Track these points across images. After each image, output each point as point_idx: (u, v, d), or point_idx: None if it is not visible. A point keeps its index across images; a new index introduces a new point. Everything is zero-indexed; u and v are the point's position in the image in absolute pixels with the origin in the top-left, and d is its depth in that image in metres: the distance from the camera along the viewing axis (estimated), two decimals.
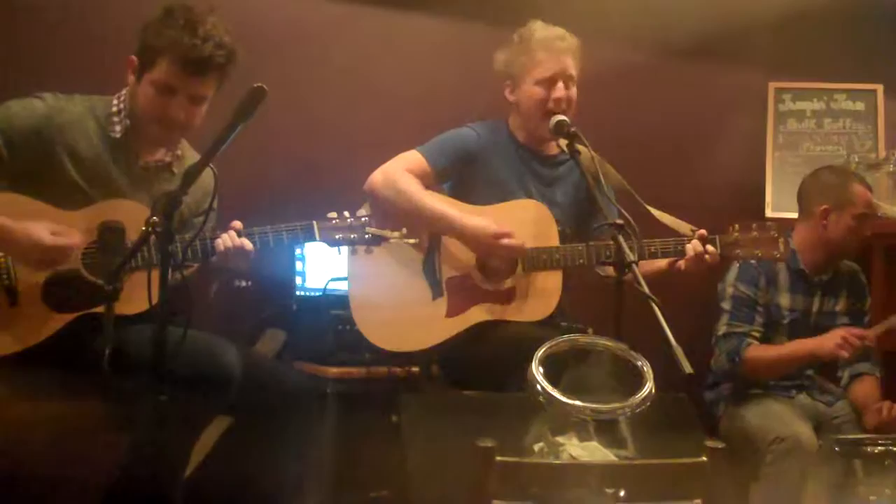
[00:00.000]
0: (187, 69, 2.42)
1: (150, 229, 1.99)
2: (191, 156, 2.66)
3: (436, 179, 2.90)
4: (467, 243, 2.80)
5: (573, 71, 2.91)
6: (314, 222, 2.50)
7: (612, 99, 3.04)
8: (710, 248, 2.77)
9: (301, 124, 3.59)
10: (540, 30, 2.93)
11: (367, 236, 2.53)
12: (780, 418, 3.14)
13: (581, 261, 2.79)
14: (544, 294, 2.82)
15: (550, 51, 2.89)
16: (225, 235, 2.38)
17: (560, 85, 2.88)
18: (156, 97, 2.45)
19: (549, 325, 2.80)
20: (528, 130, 2.99)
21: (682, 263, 2.78)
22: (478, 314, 2.81)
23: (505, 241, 2.75)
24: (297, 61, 3.61)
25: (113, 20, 3.29)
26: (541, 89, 2.88)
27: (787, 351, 3.28)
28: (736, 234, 2.83)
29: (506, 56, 2.97)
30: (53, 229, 2.34)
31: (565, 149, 2.88)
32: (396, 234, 2.56)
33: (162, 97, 2.45)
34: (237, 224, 2.42)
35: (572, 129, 2.75)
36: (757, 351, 3.28)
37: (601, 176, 2.65)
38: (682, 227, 2.87)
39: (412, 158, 2.86)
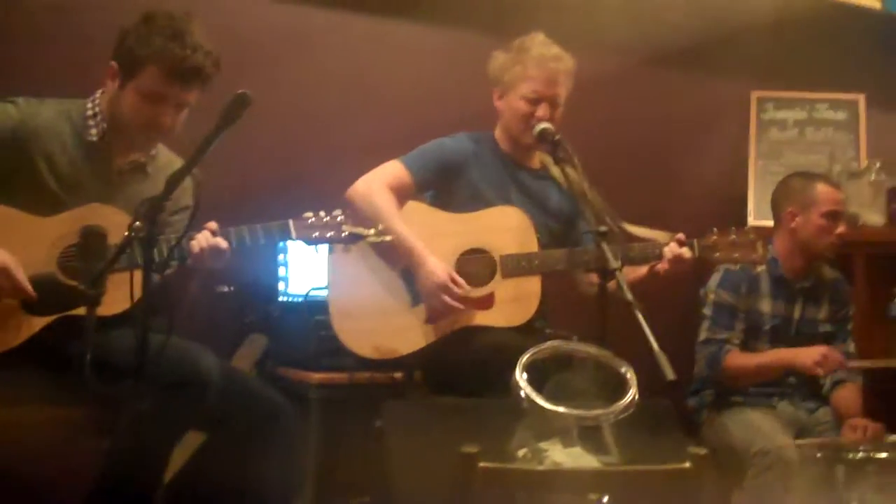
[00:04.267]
0: (176, 78, 2.42)
1: (133, 234, 1.98)
2: (164, 155, 2.65)
3: (417, 189, 2.91)
4: (417, 280, 2.78)
5: (561, 94, 2.90)
6: (290, 221, 2.48)
7: (595, 107, 3.05)
8: (686, 250, 2.78)
9: (286, 129, 3.57)
10: (538, 45, 2.90)
11: (343, 234, 2.52)
12: (762, 430, 3.14)
13: (560, 266, 2.80)
14: (523, 299, 2.81)
15: (543, 70, 2.87)
16: (199, 236, 2.36)
17: (544, 105, 2.87)
18: (143, 105, 2.44)
19: (533, 332, 2.81)
20: (510, 139, 3.00)
21: (661, 267, 2.79)
22: (457, 320, 2.80)
23: (446, 297, 2.72)
24: (284, 67, 3.60)
25: (91, 22, 3.25)
26: (525, 104, 2.88)
27: (766, 360, 3.30)
28: (714, 237, 2.85)
29: (501, 62, 2.95)
30: (13, 260, 2.30)
31: (548, 162, 2.91)
32: (372, 231, 2.55)
33: (149, 105, 2.44)
34: (212, 224, 2.40)
35: (556, 137, 2.77)
36: (736, 358, 3.29)
37: (585, 185, 2.65)
38: (661, 236, 2.88)
39: (393, 170, 2.86)
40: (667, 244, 2.79)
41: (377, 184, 2.82)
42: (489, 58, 2.99)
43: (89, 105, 2.53)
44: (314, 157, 3.62)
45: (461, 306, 2.75)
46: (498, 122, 3.03)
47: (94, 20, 3.21)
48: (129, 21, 2.48)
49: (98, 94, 2.54)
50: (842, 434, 3.20)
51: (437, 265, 2.75)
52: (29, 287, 2.31)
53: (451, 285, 2.73)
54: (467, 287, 2.76)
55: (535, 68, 2.87)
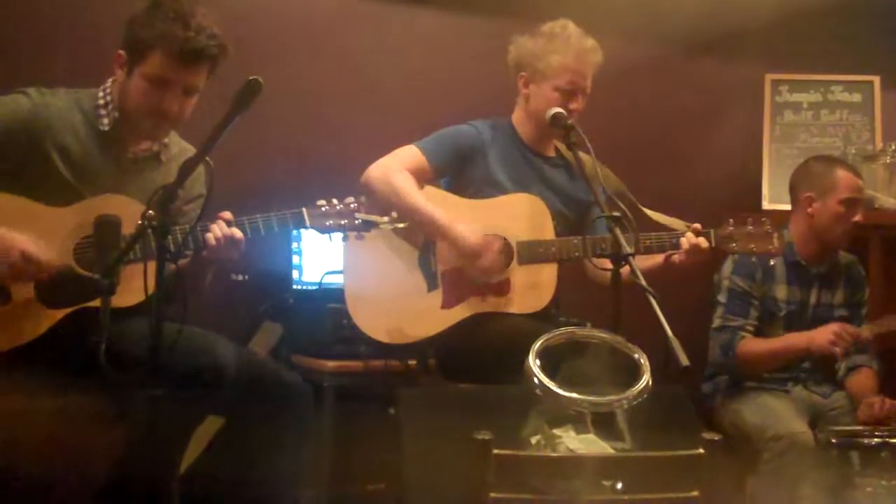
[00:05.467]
0: (181, 61, 2.41)
1: (146, 223, 1.99)
2: (177, 143, 2.65)
3: (433, 175, 2.91)
4: (451, 249, 2.80)
5: (590, 85, 2.92)
6: (304, 209, 2.48)
7: (608, 92, 3.02)
8: (703, 240, 2.77)
9: (297, 118, 3.58)
10: (576, 36, 2.89)
11: (357, 221, 2.52)
12: (776, 415, 3.14)
13: (577, 253, 2.79)
14: (539, 286, 2.82)
15: (581, 61, 2.88)
16: (214, 226, 2.36)
17: (579, 98, 2.89)
18: (149, 90, 2.44)
19: (547, 319, 2.81)
20: (534, 127, 2.99)
21: (677, 256, 2.78)
22: (473, 306, 2.81)
23: (480, 260, 2.75)
24: (293, 54, 3.60)
25: (101, 13, 3.26)
26: (558, 96, 2.87)
27: (780, 344, 3.28)
28: (731, 227, 2.83)
29: (531, 48, 2.93)
30: (34, 242, 2.31)
31: (562, 148, 2.92)
32: (386, 218, 2.55)
33: (156, 90, 2.44)
34: (227, 214, 2.40)
35: (569, 122, 2.76)
36: (750, 344, 3.28)
37: (599, 172, 2.65)
38: (677, 224, 2.87)
39: (410, 154, 2.86)
40: (683, 233, 2.79)
41: (395, 166, 2.82)
42: (510, 41, 2.97)
43: (100, 94, 2.53)
44: (324, 146, 3.63)
45: (497, 269, 2.76)
46: (517, 107, 3.03)
47: (104, 10, 3.22)
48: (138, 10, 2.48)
49: (109, 82, 2.54)
50: (858, 414, 3.19)
51: (468, 229, 2.75)
52: (51, 262, 2.31)
53: (486, 249, 2.74)
54: (498, 247, 2.76)
55: (574, 59, 2.87)
